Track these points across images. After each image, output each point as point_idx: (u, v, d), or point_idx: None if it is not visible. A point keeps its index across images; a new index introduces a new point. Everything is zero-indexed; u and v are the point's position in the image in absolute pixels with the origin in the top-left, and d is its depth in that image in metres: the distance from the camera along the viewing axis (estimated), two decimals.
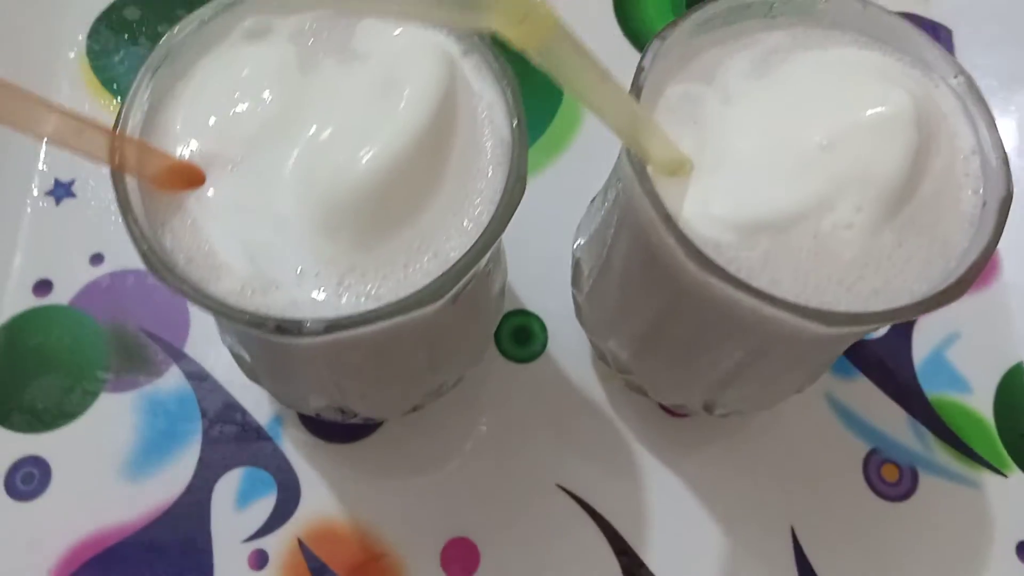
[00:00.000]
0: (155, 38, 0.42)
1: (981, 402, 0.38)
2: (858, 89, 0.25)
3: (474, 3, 0.15)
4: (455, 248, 0.23)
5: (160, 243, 0.23)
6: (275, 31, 0.26)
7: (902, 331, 0.39)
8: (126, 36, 0.42)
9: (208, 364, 0.36)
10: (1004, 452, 0.37)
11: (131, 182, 0.22)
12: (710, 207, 0.24)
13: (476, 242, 0.22)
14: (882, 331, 0.39)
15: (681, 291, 0.25)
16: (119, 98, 0.40)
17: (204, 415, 0.35)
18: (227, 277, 0.23)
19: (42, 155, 0.39)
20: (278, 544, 0.33)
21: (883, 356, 0.38)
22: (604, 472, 0.35)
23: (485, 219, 0.23)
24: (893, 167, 0.24)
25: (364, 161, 0.23)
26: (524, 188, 0.23)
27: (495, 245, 0.24)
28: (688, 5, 0.45)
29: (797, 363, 0.29)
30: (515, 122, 0.24)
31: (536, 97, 0.41)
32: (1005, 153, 0.25)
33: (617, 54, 0.43)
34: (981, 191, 0.25)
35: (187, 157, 0.24)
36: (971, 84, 0.26)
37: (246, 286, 0.23)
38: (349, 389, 0.28)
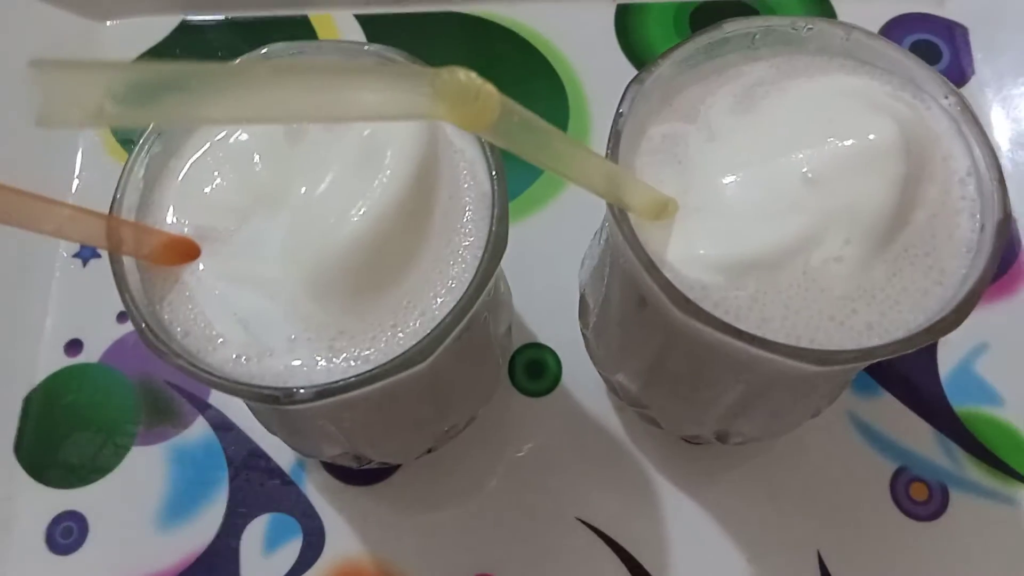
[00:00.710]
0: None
1: (1013, 414, 0.37)
2: (843, 119, 0.25)
3: (406, 102, 0.15)
4: (442, 306, 0.24)
5: (158, 318, 0.23)
6: None
7: (927, 346, 0.38)
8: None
9: (231, 414, 0.37)
10: None
11: (128, 261, 0.23)
12: (696, 248, 0.24)
13: (460, 299, 0.23)
14: None
15: (674, 332, 0.25)
16: None
17: (230, 463, 0.36)
18: (223, 347, 0.23)
19: None
20: None
21: (907, 372, 0.37)
22: (624, 503, 0.35)
23: (469, 275, 0.23)
24: (881, 199, 0.23)
25: (349, 226, 0.23)
26: (506, 242, 0.24)
27: (484, 295, 0.24)
28: (691, 23, 0.45)
29: (804, 395, 0.28)
30: (494, 173, 0.24)
31: None
32: (1001, 173, 0.24)
33: (616, 72, 0.43)
34: (978, 215, 0.24)
35: (183, 232, 0.25)
36: (964, 104, 0.25)
37: (240, 354, 0.23)
38: (358, 440, 0.29)
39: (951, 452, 0.36)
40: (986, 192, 0.24)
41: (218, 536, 0.35)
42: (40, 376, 0.38)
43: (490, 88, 0.16)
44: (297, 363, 0.23)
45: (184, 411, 0.37)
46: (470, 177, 0.25)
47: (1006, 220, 0.24)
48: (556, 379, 0.37)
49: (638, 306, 0.27)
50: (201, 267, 0.24)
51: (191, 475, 0.36)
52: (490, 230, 0.24)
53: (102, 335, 0.38)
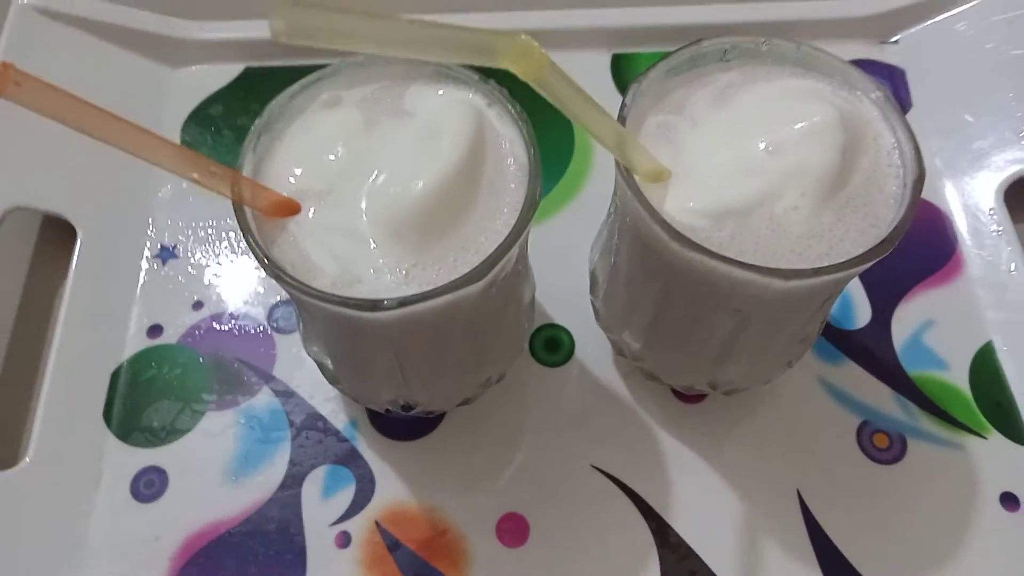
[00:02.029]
0: (234, 128, 0.51)
1: (958, 377, 0.43)
2: (795, 109, 0.32)
3: (489, 49, 0.22)
4: (491, 245, 0.30)
5: (271, 255, 0.30)
6: (344, 101, 0.34)
7: (882, 323, 0.45)
8: (212, 128, 0.51)
9: (293, 384, 0.43)
10: (982, 417, 0.42)
11: (248, 212, 0.30)
12: (686, 202, 0.31)
13: (506, 237, 0.30)
14: (864, 321, 0.45)
15: (670, 272, 0.32)
16: None
17: (291, 425, 0.42)
18: (321, 277, 0.30)
19: (150, 225, 0.48)
20: (359, 526, 0.39)
21: (867, 344, 0.44)
22: (631, 452, 0.41)
23: (512, 221, 0.30)
24: (826, 161, 0.31)
25: (418, 187, 0.30)
26: (539, 198, 0.31)
27: (520, 241, 0.31)
28: None
29: (777, 330, 0.35)
30: (531, 151, 0.32)
31: (549, 162, 0.49)
32: (917, 145, 0.31)
33: (613, 109, 0.50)
34: (902, 175, 0.32)
35: (287, 193, 0.31)
36: (888, 96, 0.33)
37: (335, 282, 0.30)
38: (413, 377, 0.35)
39: (907, 408, 0.42)
40: (907, 160, 0.32)
41: (282, 485, 0.40)
42: (126, 355, 0.44)
43: (541, 50, 0.23)
44: (380, 287, 0.30)
45: (252, 381, 0.43)
46: (510, 153, 0.32)
47: (920, 178, 0.31)
48: (570, 352, 0.44)
49: (641, 258, 0.34)
50: (303, 219, 0.31)
51: (258, 435, 0.42)
52: (527, 193, 0.31)
53: (180, 321, 0.45)
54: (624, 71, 0.53)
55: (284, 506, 0.40)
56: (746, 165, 0.32)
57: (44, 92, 0.24)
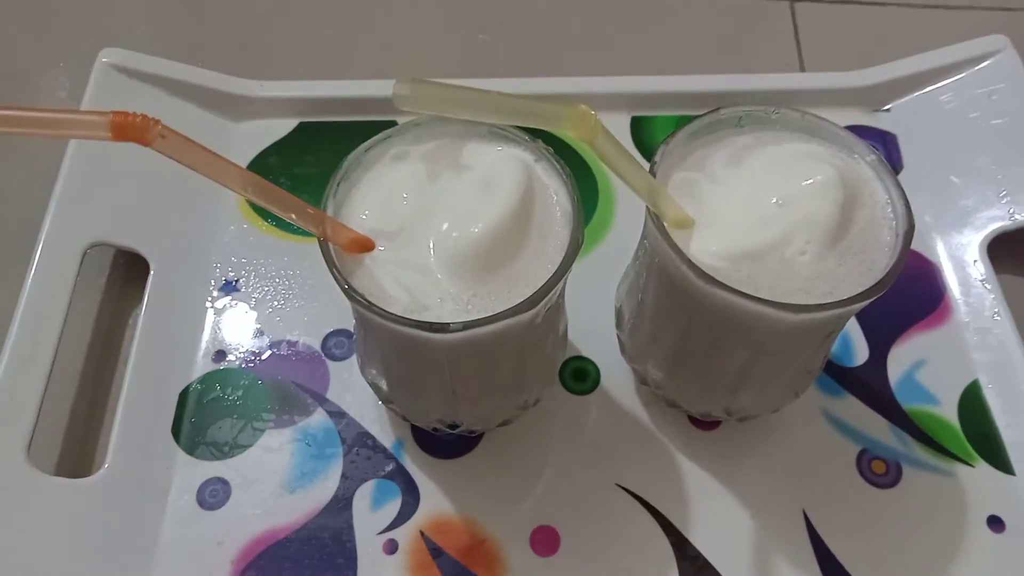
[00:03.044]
0: (290, 176, 0.56)
1: (947, 411, 0.48)
2: (801, 168, 0.37)
3: (557, 116, 0.28)
4: (540, 279, 0.35)
5: (352, 286, 0.35)
6: (411, 155, 0.39)
7: (879, 361, 0.49)
8: (270, 176, 0.56)
9: (345, 406, 0.47)
10: (970, 447, 0.46)
11: (332, 247, 0.35)
12: (709, 246, 0.36)
13: (555, 272, 0.35)
14: (862, 359, 0.49)
15: (694, 307, 0.37)
16: (269, 220, 0.54)
17: (343, 443, 0.46)
18: (394, 304, 0.35)
19: (214, 262, 0.52)
20: (405, 535, 0.43)
21: (865, 380, 0.49)
22: (653, 473, 0.45)
23: (558, 259, 0.35)
24: (828, 213, 0.36)
25: (477, 230, 0.35)
26: (582, 242, 0.36)
27: (564, 279, 0.35)
28: None
29: (787, 361, 0.39)
30: (574, 200, 0.37)
31: None
32: (907, 201, 0.36)
33: None
34: (895, 227, 0.37)
35: (363, 232, 0.36)
36: (881, 159, 0.38)
37: (406, 309, 0.34)
38: (463, 397, 0.40)
39: (902, 438, 0.47)
40: (899, 214, 0.37)
41: (335, 496, 0.44)
42: (194, 377, 0.48)
43: (597, 118, 0.29)
44: (445, 315, 0.34)
45: (307, 403, 0.47)
46: (557, 203, 0.37)
47: (910, 230, 0.36)
48: (596, 382, 0.48)
49: (667, 295, 0.39)
50: (376, 255, 0.36)
51: (313, 451, 0.46)
52: (571, 235, 0.36)
53: (242, 348, 0.49)
54: (643, 132, 0.59)
55: (336, 516, 0.44)
56: (760, 216, 0.37)
57: (183, 144, 0.29)
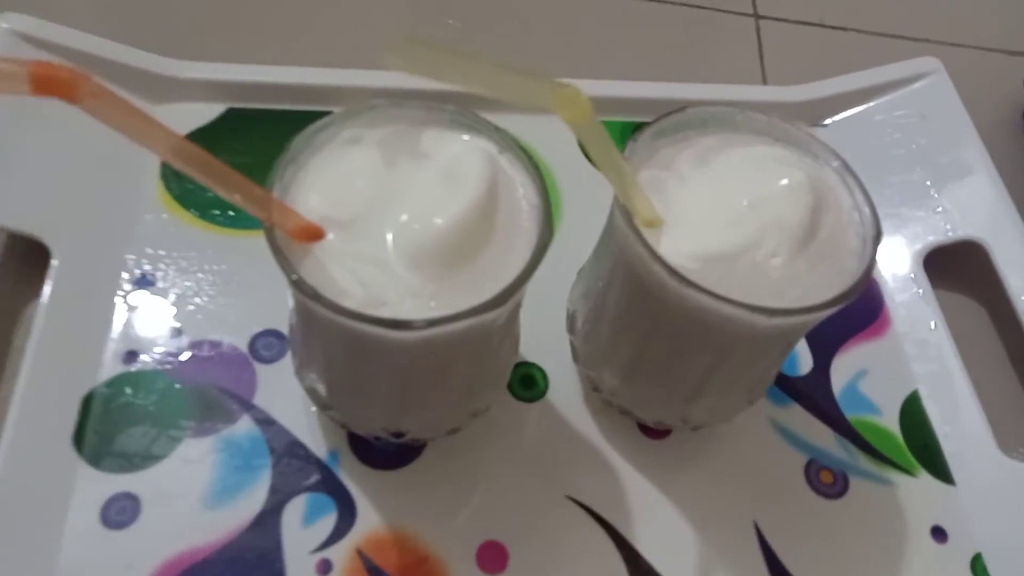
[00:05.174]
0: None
1: (889, 421, 0.48)
2: (771, 170, 0.37)
3: (548, 95, 0.26)
4: (508, 276, 0.33)
5: (300, 276, 0.31)
6: (365, 139, 0.36)
7: (822, 371, 0.49)
8: None
9: (274, 412, 0.43)
10: (912, 458, 0.47)
11: (278, 234, 0.32)
12: (678, 247, 0.35)
13: (524, 268, 0.32)
14: (807, 369, 0.49)
15: (661, 309, 0.35)
16: (192, 211, 0.49)
17: (272, 453, 0.42)
18: (348, 299, 0.31)
19: (128, 253, 0.48)
20: (340, 553, 0.40)
21: (810, 390, 0.49)
22: (603, 484, 0.43)
23: (527, 255, 0.33)
24: (799, 216, 0.35)
25: (440, 222, 0.33)
26: (551, 236, 0.34)
27: (531, 277, 0.33)
28: None
29: (749, 368, 0.38)
30: (543, 193, 0.35)
31: None
32: (874, 207, 0.36)
33: (579, 169, 0.55)
34: (861, 232, 0.37)
35: (312, 219, 0.33)
36: (846, 165, 0.38)
37: (362, 304, 0.31)
38: (410, 404, 0.37)
39: (847, 448, 0.47)
40: (865, 220, 0.37)
41: (262, 512, 0.40)
42: (99, 380, 0.43)
43: (587, 99, 0.27)
44: (404, 312, 0.32)
45: (232, 409, 0.43)
46: (523, 196, 0.35)
47: (878, 235, 0.36)
48: (543, 390, 0.46)
49: (634, 295, 0.37)
50: (327, 245, 0.33)
51: (237, 462, 0.42)
52: (540, 229, 0.34)
53: (157, 348, 0.45)
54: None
55: (264, 533, 0.40)
56: (730, 217, 0.35)
57: (117, 106, 0.25)
